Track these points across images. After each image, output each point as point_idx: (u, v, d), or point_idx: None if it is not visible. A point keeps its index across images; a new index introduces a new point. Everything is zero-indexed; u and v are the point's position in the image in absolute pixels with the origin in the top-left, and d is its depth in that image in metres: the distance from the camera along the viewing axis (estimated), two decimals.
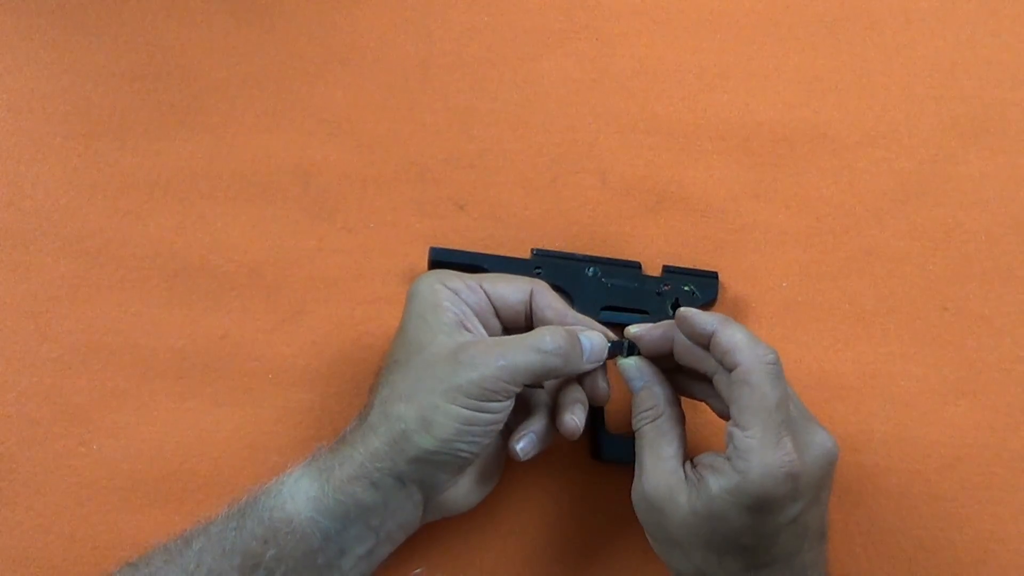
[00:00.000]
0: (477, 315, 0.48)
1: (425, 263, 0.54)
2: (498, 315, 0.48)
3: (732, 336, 0.44)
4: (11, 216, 0.56)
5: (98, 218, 0.56)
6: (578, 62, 0.59)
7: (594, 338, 0.47)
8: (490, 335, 0.48)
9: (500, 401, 0.44)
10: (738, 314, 0.56)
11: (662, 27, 0.60)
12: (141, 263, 0.55)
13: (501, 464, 0.50)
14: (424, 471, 0.44)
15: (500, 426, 0.45)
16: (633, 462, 0.51)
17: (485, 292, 0.48)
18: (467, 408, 0.43)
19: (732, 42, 0.60)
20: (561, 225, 0.56)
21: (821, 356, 0.55)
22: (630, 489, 0.47)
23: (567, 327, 0.47)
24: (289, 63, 0.59)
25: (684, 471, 0.45)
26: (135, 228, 0.56)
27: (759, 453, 0.42)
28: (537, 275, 0.52)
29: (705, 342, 0.45)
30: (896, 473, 0.53)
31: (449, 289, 0.47)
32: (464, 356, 0.44)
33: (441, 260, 0.53)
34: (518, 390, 0.45)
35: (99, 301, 0.55)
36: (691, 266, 0.56)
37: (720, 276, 0.55)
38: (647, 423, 0.46)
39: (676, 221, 0.57)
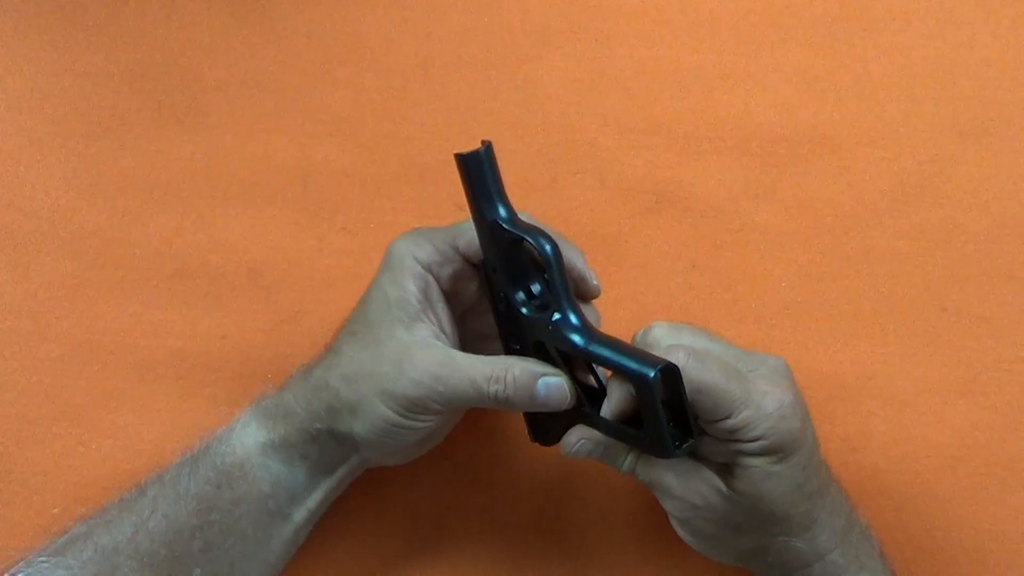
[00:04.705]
0: (448, 285, 0.46)
1: None
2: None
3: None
4: (11, 216, 0.56)
5: (98, 218, 0.56)
6: (578, 62, 0.59)
7: (552, 387, 0.43)
8: (460, 302, 0.47)
9: (429, 416, 0.44)
10: (737, 315, 0.56)
11: (662, 27, 0.60)
12: (141, 263, 0.55)
13: (445, 428, 0.50)
14: (353, 442, 0.46)
15: (426, 432, 0.45)
16: None
17: (461, 252, 0.46)
18: (396, 414, 0.44)
19: (732, 42, 0.60)
20: (561, 225, 0.56)
21: (821, 356, 0.55)
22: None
23: (531, 368, 0.43)
24: (289, 63, 0.59)
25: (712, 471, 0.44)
26: (135, 228, 0.56)
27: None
28: None
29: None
30: (896, 473, 0.53)
31: (421, 265, 0.45)
32: (409, 366, 0.43)
33: None
34: (445, 410, 0.44)
35: (99, 301, 0.55)
36: (691, 266, 0.56)
37: (720, 276, 0.55)
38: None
39: (676, 221, 0.57)
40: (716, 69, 0.59)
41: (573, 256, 0.46)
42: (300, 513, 0.48)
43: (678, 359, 0.41)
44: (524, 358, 0.44)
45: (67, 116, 0.57)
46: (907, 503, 0.53)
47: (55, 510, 0.51)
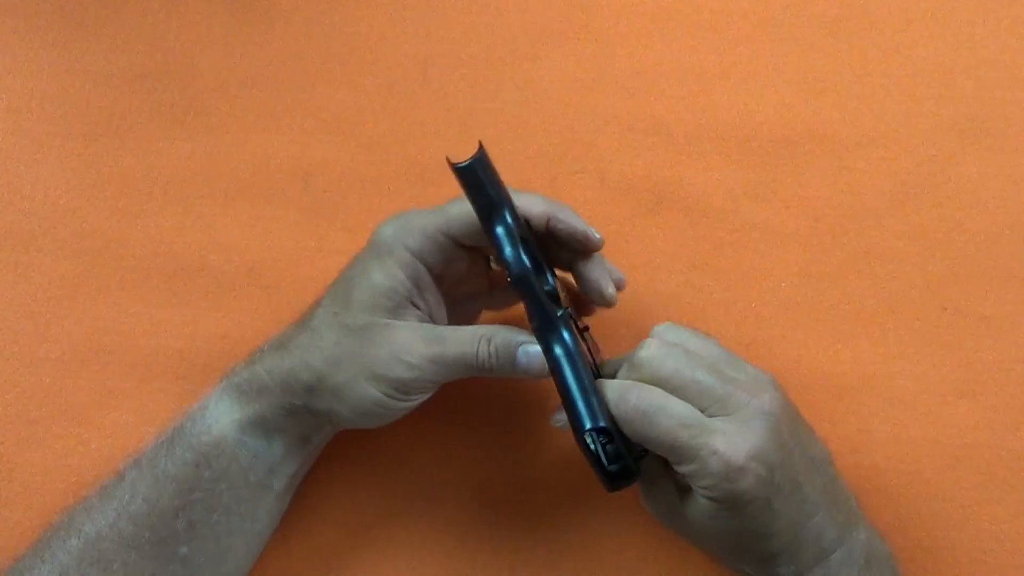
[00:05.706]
0: (440, 272, 0.46)
1: None
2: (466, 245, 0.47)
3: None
4: (11, 216, 0.56)
5: (98, 218, 0.56)
6: (578, 62, 0.59)
7: (532, 356, 0.44)
8: (452, 286, 0.48)
9: (423, 395, 0.45)
10: (737, 315, 0.56)
11: (662, 27, 0.60)
12: (141, 263, 0.55)
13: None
14: (330, 416, 0.46)
15: (414, 408, 0.46)
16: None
17: (451, 237, 0.46)
18: (387, 396, 0.44)
19: (732, 42, 0.60)
20: None
21: (821, 356, 0.55)
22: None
23: (511, 336, 0.44)
24: (289, 63, 0.59)
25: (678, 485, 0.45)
26: (135, 228, 0.56)
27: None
28: None
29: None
30: (896, 473, 0.53)
31: (412, 253, 0.45)
32: (402, 351, 0.44)
33: None
34: (438, 386, 0.46)
35: (99, 301, 0.55)
36: (689, 266, 0.56)
37: (720, 276, 0.55)
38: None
39: (676, 221, 0.57)
40: (716, 69, 0.59)
41: (569, 217, 0.46)
42: (280, 481, 0.48)
43: (627, 413, 0.42)
44: (507, 326, 0.45)
45: (67, 116, 0.57)
46: (907, 503, 0.53)
47: (58, 500, 0.51)
